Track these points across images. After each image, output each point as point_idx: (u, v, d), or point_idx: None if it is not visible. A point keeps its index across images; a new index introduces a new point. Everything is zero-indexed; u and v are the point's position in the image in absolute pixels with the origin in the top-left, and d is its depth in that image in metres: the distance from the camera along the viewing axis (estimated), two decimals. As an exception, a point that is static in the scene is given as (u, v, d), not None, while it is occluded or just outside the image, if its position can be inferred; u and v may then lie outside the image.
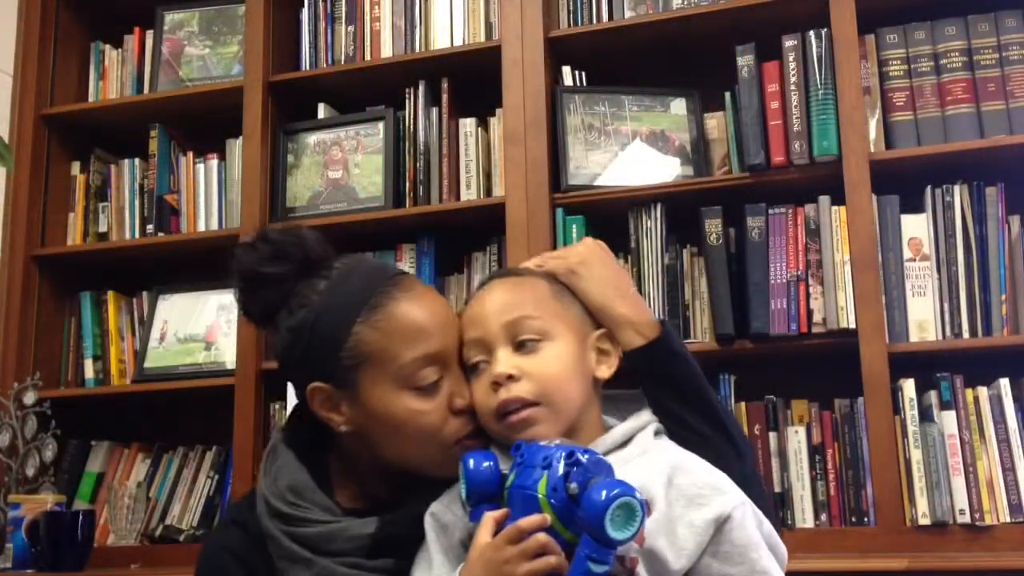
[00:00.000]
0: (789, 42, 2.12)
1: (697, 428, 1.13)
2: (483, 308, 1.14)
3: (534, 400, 1.07)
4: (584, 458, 0.96)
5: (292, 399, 2.32)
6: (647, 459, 1.07)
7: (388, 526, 1.12)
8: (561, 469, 0.95)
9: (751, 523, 1.02)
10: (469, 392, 1.14)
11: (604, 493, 0.91)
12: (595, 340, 1.15)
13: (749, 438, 2.04)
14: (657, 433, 1.12)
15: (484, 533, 0.98)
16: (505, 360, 1.09)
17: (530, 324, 1.10)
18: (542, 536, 0.94)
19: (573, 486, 0.94)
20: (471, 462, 1.04)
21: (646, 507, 0.94)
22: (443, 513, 1.10)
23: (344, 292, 1.14)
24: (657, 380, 1.16)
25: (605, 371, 1.15)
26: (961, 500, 1.89)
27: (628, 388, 1.18)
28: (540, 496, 0.95)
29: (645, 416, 1.14)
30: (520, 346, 1.10)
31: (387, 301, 1.13)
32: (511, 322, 1.10)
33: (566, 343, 1.11)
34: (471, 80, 2.37)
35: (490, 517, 0.99)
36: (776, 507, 2.02)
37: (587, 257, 1.19)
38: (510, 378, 1.08)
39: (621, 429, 1.11)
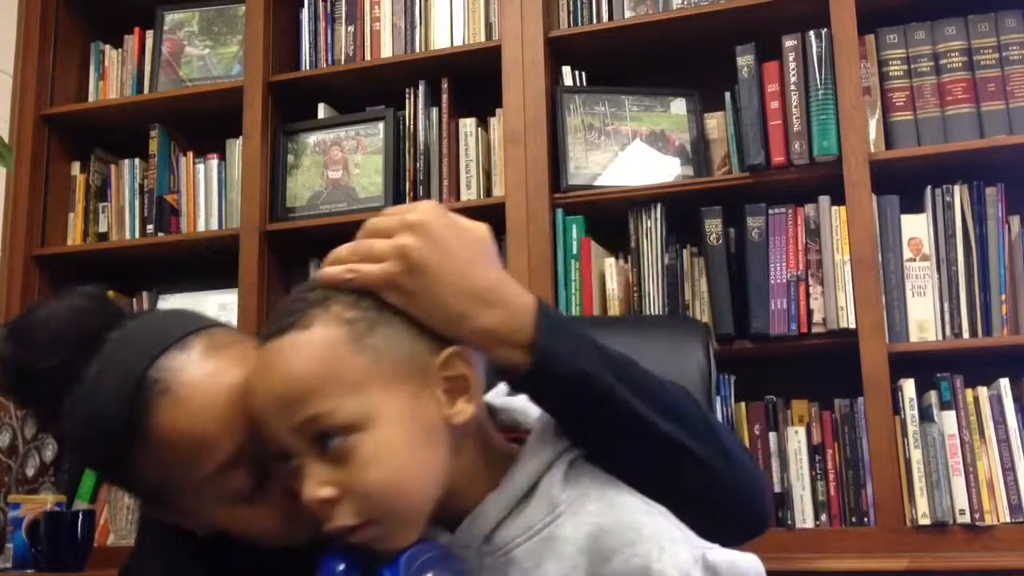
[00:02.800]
0: (789, 42, 2.12)
1: (634, 456, 0.84)
2: (260, 403, 0.80)
3: (367, 520, 0.79)
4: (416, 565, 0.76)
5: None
6: (553, 549, 0.81)
7: None
8: None
9: None
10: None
11: None
12: (439, 369, 0.81)
13: (737, 435, 2.01)
14: (572, 464, 0.84)
15: None
16: (313, 478, 0.78)
17: (327, 420, 0.77)
18: None
19: None
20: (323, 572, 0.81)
21: None
22: None
23: (95, 420, 0.87)
24: (560, 409, 0.84)
25: (465, 407, 0.81)
26: (961, 500, 1.89)
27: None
28: None
29: (546, 450, 0.84)
30: (324, 446, 0.78)
31: (145, 420, 0.85)
32: (301, 426, 0.78)
33: (389, 419, 0.78)
34: (471, 80, 2.37)
35: None
36: (775, 506, 2.02)
37: (416, 258, 0.79)
38: (326, 503, 0.78)
39: (517, 480, 0.83)
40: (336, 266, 0.81)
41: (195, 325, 0.91)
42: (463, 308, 0.79)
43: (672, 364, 1.26)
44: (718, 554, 0.80)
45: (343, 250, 0.83)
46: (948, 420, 1.93)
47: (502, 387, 0.91)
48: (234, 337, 0.92)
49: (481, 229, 0.84)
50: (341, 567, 0.80)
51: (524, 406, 0.90)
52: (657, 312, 2.11)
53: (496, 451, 0.86)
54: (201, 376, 0.86)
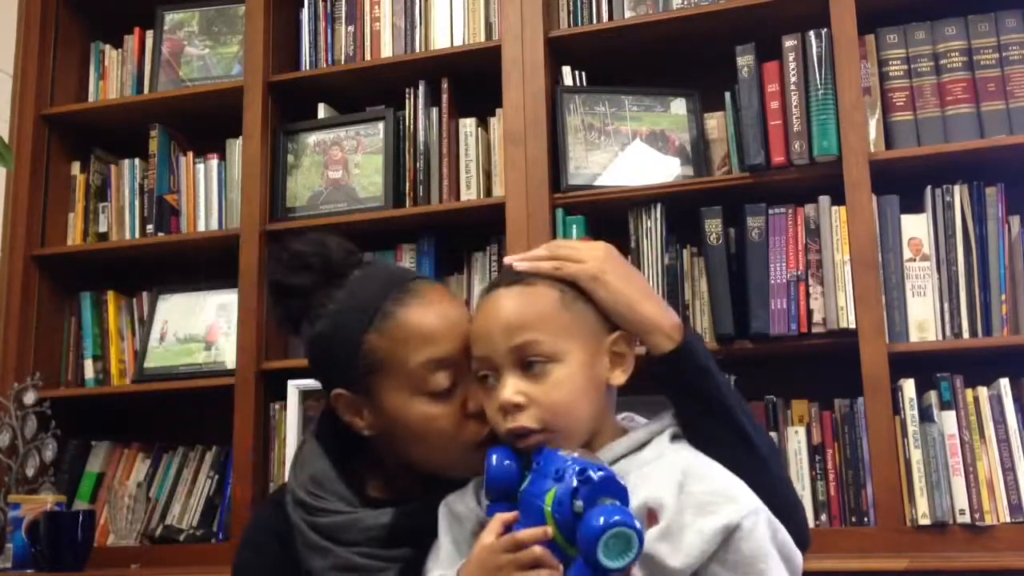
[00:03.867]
0: (789, 42, 2.12)
1: (718, 436, 1.09)
2: (488, 326, 1.09)
3: (541, 428, 1.04)
4: (597, 475, 0.93)
5: (293, 399, 2.33)
6: (661, 464, 1.05)
7: (403, 517, 1.15)
8: (572, 484, 0.93)
9: (762, 533, 0.99)
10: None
11: (602, 519, 0.89)
12: (610, 344, 1.09)
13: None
14: (675, 437, 1.10)
15: (489, 534, 0.99)
16: (511, 386, 1.05)
17: (538, 347, 1.05)
18: (538, 550, 0.94)
19: (579, 503, 0.92)
20: (494, 459, 1.04)
21: (644, 531, 0.92)
22: (456, 504, 1.12)
23: (358, 300, 1.17)
24: (679, 389, 1.12)
25: (620, 376, 1.10)
26: (961, 500, 1.89)
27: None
28: (546, 508, 0.94)
29: (665, 419, 1.12)
30: (527, 366, 1.05)
31: (396, 308, 1.15)
32: (518, 346, 1.05)
33: (577, 361, 1.06)
34: (471, 80, 2.37)
35: (499, 519, 0.99)
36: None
37: (607, 260, 1.11)
38: (516, 406, 1.04)
39: (638, 434, 1.09)
40: (545, 262, 1.11)
41: (419, 274, 1.27)
42: (637, 299, 1.10)
43: None
44: (777, 521, 1.02)
45: (541, 250, 1.13)
46: (948, 420, 1.93)
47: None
48: (445, 287, 1.29)
49: None
50: (505, 457, 1.04)
51: (632, 417, 1.17)
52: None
53: (614, 422, 1.14)
54: (442, 297, 1.19)
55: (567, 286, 1.09)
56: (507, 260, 1.15)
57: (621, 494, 0.94)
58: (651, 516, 1.00)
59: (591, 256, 1.11)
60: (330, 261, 1.20)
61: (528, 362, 1.05)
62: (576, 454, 0.99)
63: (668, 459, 1.06)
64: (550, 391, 1.04)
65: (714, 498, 0.99)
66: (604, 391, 1.10)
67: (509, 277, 1.11)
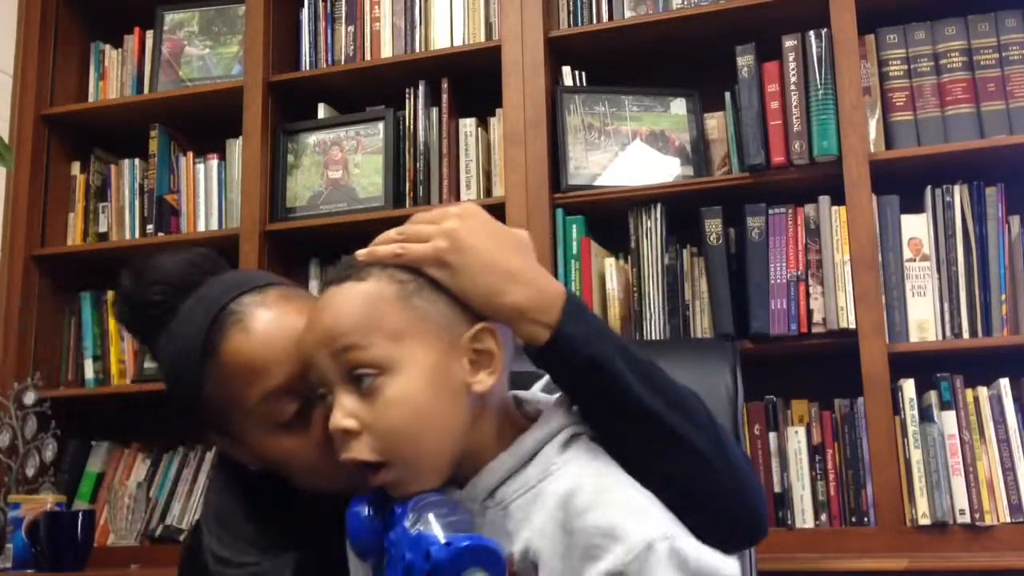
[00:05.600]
0: (789, 42, 2.12)
1: (624, 430, 0.90)
2: (309, 335, 0.90)
3: (380, 460, 0.86)
4: (446, 553, 0.79)
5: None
6: (545, 490, 0.87)
7: (307, 563, 1.02)
8: (422, 567, 0.80)
9: (661, 571, 0.81)
10: None
11: None
12: (468, 341, 0.89)
13: (739, 439, 2.01)
14: (568, 442, 0.90)
15: None
16: (341, 408, 0.86)
17: (362, 355, 0.86)
18: None
19: None
20: (349, 515, 0.90)
21: None
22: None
23: (182, 340, 1.03)
24: (565, 384, 0.92)
25: (486, 380, 0.89)
26: (961, 500, 1.89)
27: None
28: None
29: (557, 417, 0.91)
30: (357, 381, 0.86)
31: (219, 341, 1.00)
32: (338, 352, 0.86)
33: (419, 370, 0.86)
34: (471, 80, 2.37)
35: None
36: (775, 509, 2.02)
37: (461, 238, 0.89)
38: (348, 433, 0.86)
39: (524, 443, 0.90)
40: (385, 246, 0.90)
41: (276, 280, 1.08)
42: (498, 284, 0.88)
43: (699, 390, 1.29)
44: (690, 545, 0.83)
45: (391, 232, 0.92)
46: (948, 420, 1.93)
47: (539, 384, 0.99)
48: (302, 294, 1.07)
49: (520, 231, 0.94)
50: (365, 508, 0.89)
51: (549, 399, 0.96)
52: (657, 312, 2.10)
53: (513, 427, 0.93)
54: (268, 314, 1.01)
55: (411, 274, 0.89)
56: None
57: (490, 560, 0.80)
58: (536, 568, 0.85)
59: (438, 232, 0.90)
60: (170, 286, 1.07)
61: (356, 376, 0.86)
62: (435, 497, 0.86)
63: (553, 483, 0.87)
64: (384, 412, 0.85)
65: (598, 539, 0.82)
66: (467, 400, 0.88)
67: (341, 271, 0.92)
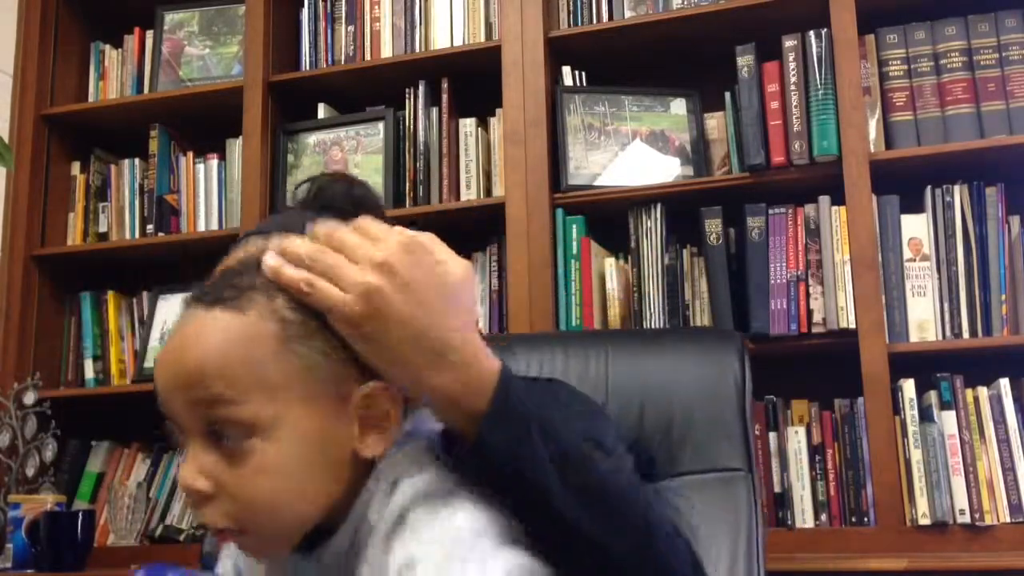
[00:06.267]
0: (789, 42, 2.12)
1: (537, 531, 0.73)
2: (162, 368, 0.74)
3: (237, 529, 0.73)
4: None
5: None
6: (373, 535, 0.73)
7: None
8: None
9: None
10: None
11: None
12: (360, 403, 0.74)
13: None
14: (404, 515, 0.71)
15: None
16: (196, 462, 0.72)
17: (230, 412, 0.71)
18: None
19: None
20: None
21: None
22: None
23: None
24: (489, 483, 0.74)
25: (376, 445, 0.74)
26: (961, 500, 1.89)
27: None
28: None
29: (399, 495, 0.72)
30: (219, 436, 0.72)
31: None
32: (200, 402, 0.71)
33: (296, 435, 0.72)
34: (471, 80, 2.37)
35: None
36: (775, 509, 2.02)
37: (384, 303, 0.71)
38: (200, 494, 0.72)
39: (355, 514, 0.74)
40: (294, 270, 0.73)
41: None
42: (420, 363, 0.72)
43: (706, 381, 1.29)
44: None
45: (303, 249, 0.73)
46: (948, 420, 1.93)
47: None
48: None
49: (459, 271, 0.77)
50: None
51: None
52: (657, 312, 2.10)
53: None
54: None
55: (299, 313, 0.73)
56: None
57: None
58: None
59: (357, 289, 0.71)
60: None
61: (218, 432, 0.71)
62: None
63: (386, 544, 0.71)
64: (249, 481, 0.71)
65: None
66: (348, 467, 0.74)
67: (215, 289, 0.75)
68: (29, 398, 2.45)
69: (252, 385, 0.71)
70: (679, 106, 2.31)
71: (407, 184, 2.37)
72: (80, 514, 2.27)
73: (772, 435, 2.06)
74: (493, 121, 2.37)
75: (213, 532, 0.74)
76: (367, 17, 2.49)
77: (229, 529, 0.73)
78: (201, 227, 2.55)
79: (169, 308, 2.58)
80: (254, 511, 0.72)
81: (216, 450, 0.72)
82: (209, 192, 2.56)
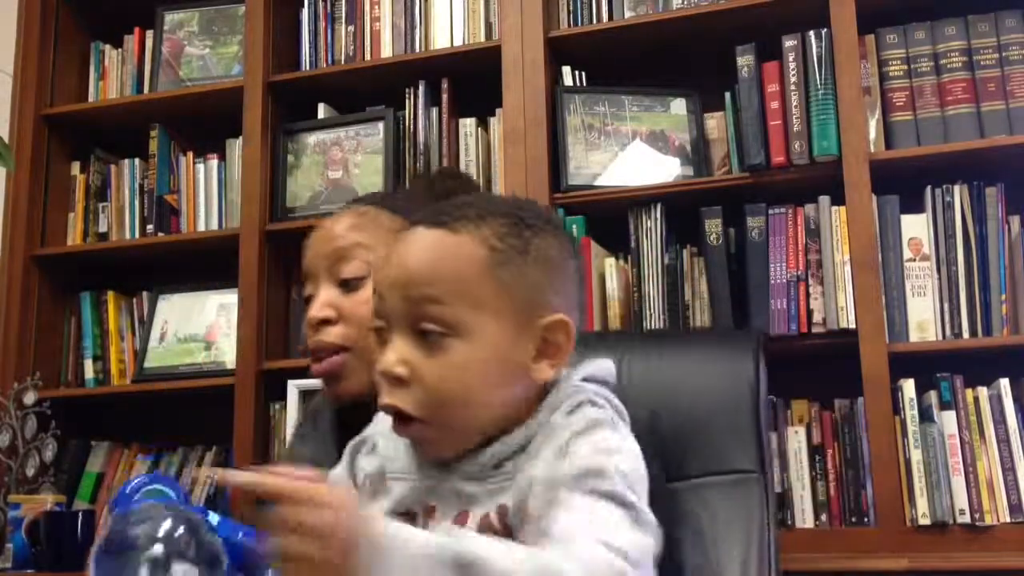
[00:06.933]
0: (789, 42, 2.12)
1: None
2: (389, 270, 0.88)
3: (425, 418, 0.84)
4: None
5: (293, 399, 2.32)
6: (555, 432, 0.85)
7: None
8: None
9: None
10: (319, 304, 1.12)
11: None
12: (540, 330, 0.87)
13: None
14: (574, 410, 0.86)
15: None
16: (396, 352, 0.85)
17: (438, 311, 0.84)
18: None
19: None
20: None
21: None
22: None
23: None
24: None
25: (546, 370, 0.87)
26: (961, 500, 1.89)
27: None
28: None
29: (564, 393, 0.88)
30: (422, 332, 0.84)
31: None
32: (414, 299, 0.84)
33: (488, 343, 0.84)
34: (471, 80, 2.37)
35: None
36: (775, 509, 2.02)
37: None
38: (397, 380, 0.84)
39: (534, 422, 0.87)
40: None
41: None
42: None
43: (721, 382, 1.28)
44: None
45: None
46: (948, 420, 1.93)
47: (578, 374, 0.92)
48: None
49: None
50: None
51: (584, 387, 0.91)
52: (657, 312, 2.10)
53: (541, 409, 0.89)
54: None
55: (504, 241, 0.86)
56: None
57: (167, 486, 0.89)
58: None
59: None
60: None
61: (423, 329, 0.84)
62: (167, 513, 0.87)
63: (560, 422, 0.86)
64: (442, 373, 0.83)
65: (593, 456, 0.82)
66: (522, 382, 0.87)
67: (436, 214, 0.89)
68: (29, 398, 2.45)
69: (459, 293, 0.84)
70: (679, 106, 2.31)
71: (407, 184, 2.36)
72: (80, 514, 2.27)
73: (772, 435, 2.06)
74: (493, 121, 2.37)
75: (395, 416, 0.84)
76: (367, 17, 2.49)
77: (414, 418, 0.83)
78: (201, 227, 2.55)
79: (169, 308, 2.58)
80: (441, 401, 0.83)
81: (416, 343, 0.84)
82: (209, 192, 2.57)
